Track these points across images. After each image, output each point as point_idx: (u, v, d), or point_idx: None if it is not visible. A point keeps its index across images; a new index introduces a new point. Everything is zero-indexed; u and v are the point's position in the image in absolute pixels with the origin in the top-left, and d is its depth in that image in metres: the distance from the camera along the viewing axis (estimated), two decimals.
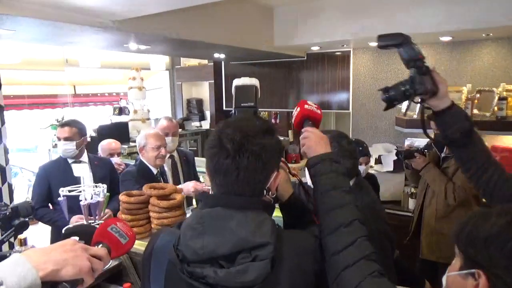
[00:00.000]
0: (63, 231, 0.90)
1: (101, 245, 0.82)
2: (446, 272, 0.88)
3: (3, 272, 0.65)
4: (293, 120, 1.16)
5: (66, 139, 2.64)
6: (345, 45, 4.51)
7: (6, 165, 3.23)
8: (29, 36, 2.92)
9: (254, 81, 1.20)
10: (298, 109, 1.13)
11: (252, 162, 0.85)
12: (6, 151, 3.30)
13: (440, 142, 2.26)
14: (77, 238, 0.80)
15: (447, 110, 1.13)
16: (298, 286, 0.86)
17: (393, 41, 1.12)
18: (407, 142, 3.73)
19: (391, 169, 3.58)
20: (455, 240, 0.86)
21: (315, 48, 4.68)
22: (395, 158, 3.30)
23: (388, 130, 4.64)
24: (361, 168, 2.65)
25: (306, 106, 1.12)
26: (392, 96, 1.12)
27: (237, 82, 1.21)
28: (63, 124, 2.72)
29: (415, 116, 4.09)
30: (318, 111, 1.14)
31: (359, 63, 4.74)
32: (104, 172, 2.74)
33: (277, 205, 1.10)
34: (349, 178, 1.33)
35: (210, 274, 0.80)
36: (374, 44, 4.33)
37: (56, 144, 4.79)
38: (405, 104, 4.08)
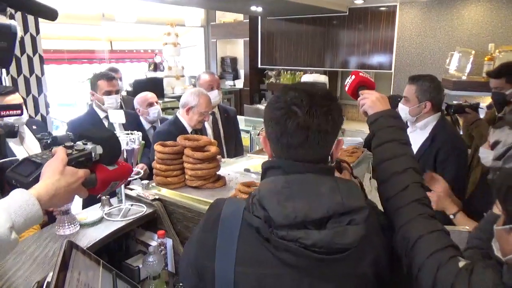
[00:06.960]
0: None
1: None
2: (495, 225, 0.91)
3: (15, 214, 0.72)
4: (346, 88, 1.25)
5: (117, 92, 2.62)
6: None
7: (47, 115, 3.33)
8: None
9: (323, 79, 1.30)
10: (353, 77, 1.22)
11: (323, 122, 0.82)
12: (46, 104, 3.40)
13: (500, 102, 2.08)
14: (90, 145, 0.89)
15: None
16: (380, 258, 0.87)
17: None
18: None
19: None
20: (496, 198, 0.89)
21: (358, 2, 4.38)
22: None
23: None
24: None
25: (360, 74, 1.23)
26: None
27: (307, 77, 1.32)
28: (112, 78, 2.62)
29: (464, 78, 3.80)
30: (372, 79, 1.25)
31: (406, 19, 4.41)
32: (132, 126, 2.63)
33: None
34: None
35: (304, 236, 0.78)
36: None
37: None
38: (454, 61, 3.82)
